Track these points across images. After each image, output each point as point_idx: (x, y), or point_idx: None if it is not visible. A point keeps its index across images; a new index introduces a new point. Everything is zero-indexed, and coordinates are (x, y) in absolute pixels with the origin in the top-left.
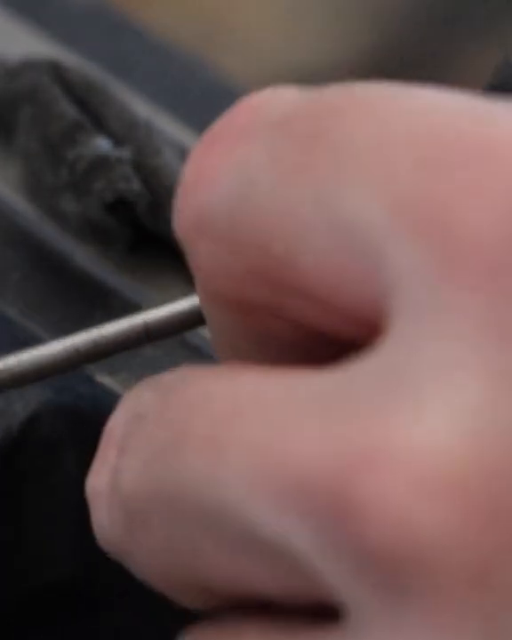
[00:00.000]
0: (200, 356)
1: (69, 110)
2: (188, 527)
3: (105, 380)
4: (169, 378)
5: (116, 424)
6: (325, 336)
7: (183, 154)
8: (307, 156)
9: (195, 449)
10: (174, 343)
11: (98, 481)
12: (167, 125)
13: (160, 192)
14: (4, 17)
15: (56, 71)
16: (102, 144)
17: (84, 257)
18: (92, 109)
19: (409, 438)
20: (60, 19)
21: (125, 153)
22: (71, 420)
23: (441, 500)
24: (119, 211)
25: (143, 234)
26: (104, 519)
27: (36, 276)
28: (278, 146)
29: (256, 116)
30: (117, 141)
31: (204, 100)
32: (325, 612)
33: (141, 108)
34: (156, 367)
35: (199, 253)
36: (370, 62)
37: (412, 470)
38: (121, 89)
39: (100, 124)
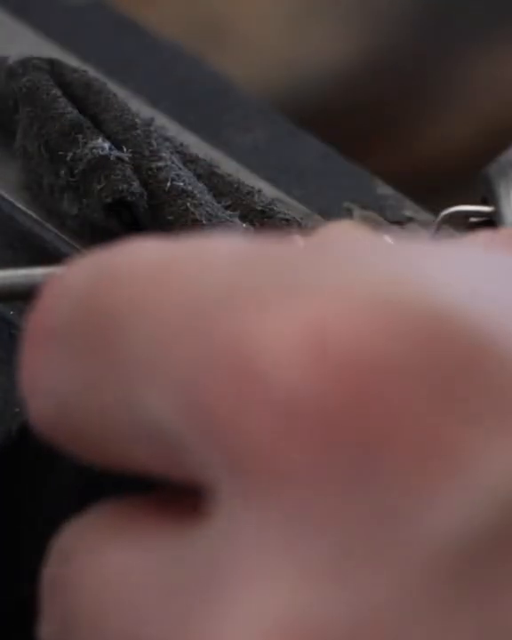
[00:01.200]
0: None
1: (69, 110)
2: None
3: None
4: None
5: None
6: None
7: (182, 154)
8: (100, 360)
9: None
10: None
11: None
12: (167, 125)
13: (159, 193)
14: (4, 17)
15: (56, 71)
16: (102, 144)
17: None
18: (91, 110)
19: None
20: (59, 19)
21: (125, 153)
22: None
23: None
24: (119, 211)
25: (142, 234)
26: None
27: None
28: (76, 355)
29: (52, 321)
30: (116, 142)
31: (204, 100)
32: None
33: (141, 108)
34: None
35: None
36: (370, 62)
37: None
38: (120, 89)
39: (99, 125)
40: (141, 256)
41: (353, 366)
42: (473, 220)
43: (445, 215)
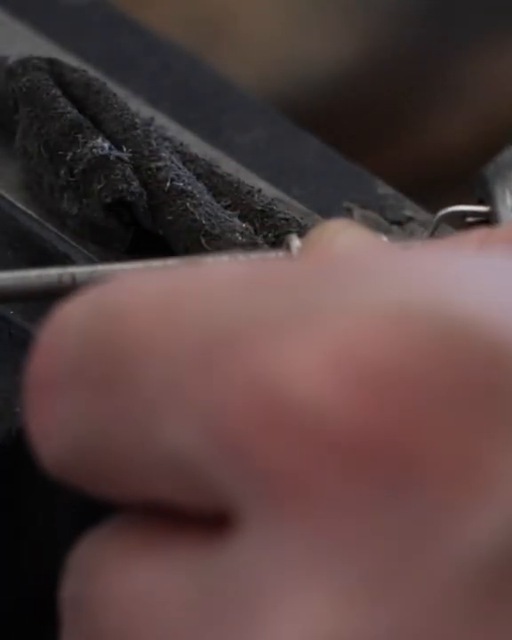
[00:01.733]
0: None
1: (69, 110)
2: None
3: None
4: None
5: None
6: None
7: (182, 153)
8: (113, 400)
9: None
10: None
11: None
12: (167, 125)
13: (158, 193)
14: (4, 17)
15: (55, 71)
16: (101, 144)
17: (84, 257)
18: (91, 110)
19: None
20: (59, 19)
21: (125, 153)
22: None
23: None
24: (118, 211)
25: (142, 234)
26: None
27: None
28: (85, 397)
29: (56, 362)
30: (116, 142)
31: (204, 99)
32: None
33: (141, 107)
34: None
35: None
36: (370, 62)
37: None
38: (120, 89)
39: (98, 124)
40: (142, 292)
41: (381, 388)
42: (469, 219)
43: (443, 215)
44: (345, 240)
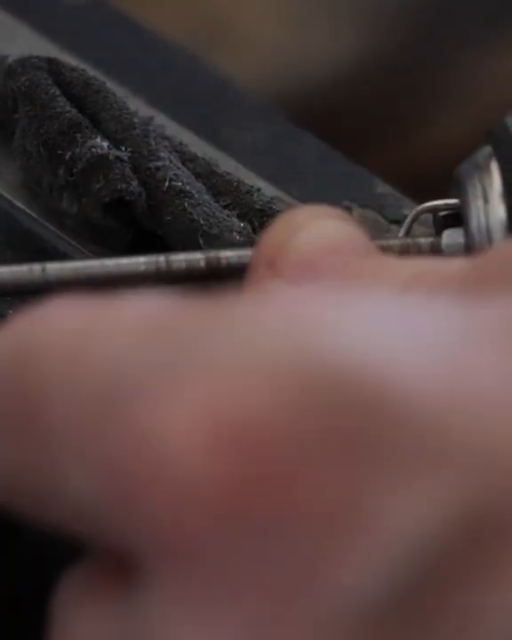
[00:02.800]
0: None
1: (68, 109)
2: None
3: None
4: None
5: None
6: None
7: (182, 153)
8: (26, 442)
9: None
10: None
11: None
12: (166, 124)
13: (157, 193)
14: (4, 16)
15: (55, 70)
16: (101, 143)
17: (83, 256)
18: (90, 109)
19: None
20: (59, 18)
21: (124, 153)
22: None
23: None
24: (117, 210)
25: (141, 234)
26: None
27: None
28: (3, 437)
29: None
30: (115, 142)
31: (204, 99)
32: None
33: (140, 107)
34: None
35: None
36: (370, 62)
37: None
38: (120, 88)
39: (97, 124)
40: (58, 330)
41: (248, 442)
42: (442, 213)
43: (419, 211)
44: (304, 239)
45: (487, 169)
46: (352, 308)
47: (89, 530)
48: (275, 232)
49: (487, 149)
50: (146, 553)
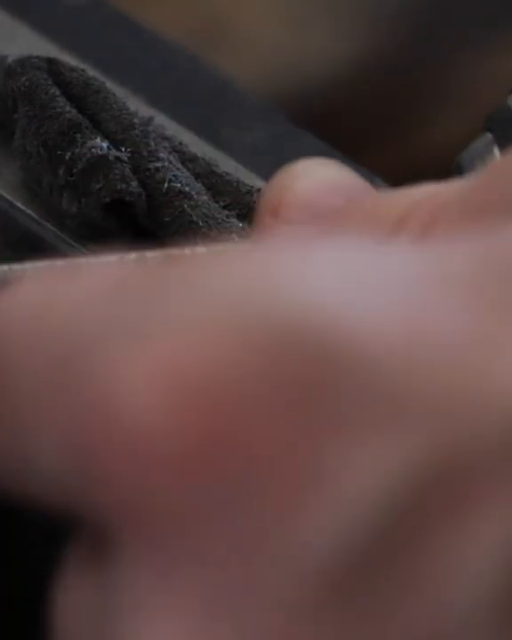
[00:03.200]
0: None
1: (67, 110)
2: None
3: None
4: None
5: None
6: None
7: (181, 153)
8: None
9: None
10: None
11: None
12: (166, 124)
13: (156, 194)
14: (3, 16)
15: (54, 70)
16: (100, 144)
17: (83, 257)
18: (90, 109)
19: None
20: (58, 18)
21: (123, 153)
22: None
23: None
24: (117, 211)
25: (141, 234)
26: None
27: None
28: None
29: None
30: (115, 142)
31: (204, 99)
32: None
33: (140, 107)
34: None
35: None
36: (370, 62)
37: None
38: (119, 88)
39: (97, 124)
40: (22, 299)
41: (204, 396)
42: None
43: None
44: (306, 183)
45: (489, 155)
46: (319, 260)
47: (67, 502)
48: (276, 181)
49: (487, 136)
50: (111, 520)
